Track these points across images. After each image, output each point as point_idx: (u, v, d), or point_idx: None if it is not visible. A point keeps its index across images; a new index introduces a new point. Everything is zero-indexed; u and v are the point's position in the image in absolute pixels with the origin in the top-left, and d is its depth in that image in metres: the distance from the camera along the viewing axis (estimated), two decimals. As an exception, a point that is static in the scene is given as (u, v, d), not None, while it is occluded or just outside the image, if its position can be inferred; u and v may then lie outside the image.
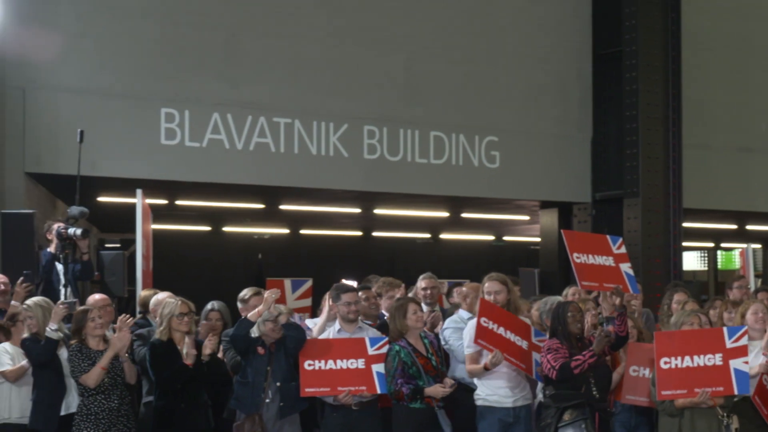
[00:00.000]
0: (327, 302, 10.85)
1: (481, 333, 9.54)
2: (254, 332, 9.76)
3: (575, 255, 9.79)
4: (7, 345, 10.36)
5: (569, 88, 18.22)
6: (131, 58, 14.83)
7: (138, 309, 11.75)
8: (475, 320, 9.90)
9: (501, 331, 9.62)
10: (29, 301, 10.14)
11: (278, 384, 9.74)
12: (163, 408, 9.64)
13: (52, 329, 9.67)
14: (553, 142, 17.98)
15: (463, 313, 10.74)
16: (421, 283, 11.95)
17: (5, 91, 13.60)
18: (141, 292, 12.10)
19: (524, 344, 9.78)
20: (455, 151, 17.07)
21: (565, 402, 9.18)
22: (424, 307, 10.79)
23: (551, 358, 9.18)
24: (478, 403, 9.82)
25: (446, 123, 17.02)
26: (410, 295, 11.54)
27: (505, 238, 28.24)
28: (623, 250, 10.21)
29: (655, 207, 17.60)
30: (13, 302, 10.83)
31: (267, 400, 9.68)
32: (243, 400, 9.74)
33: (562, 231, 10.61)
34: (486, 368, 9.63)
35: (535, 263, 19.89)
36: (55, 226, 11.66)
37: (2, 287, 11.37)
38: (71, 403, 9.87)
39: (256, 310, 9.75)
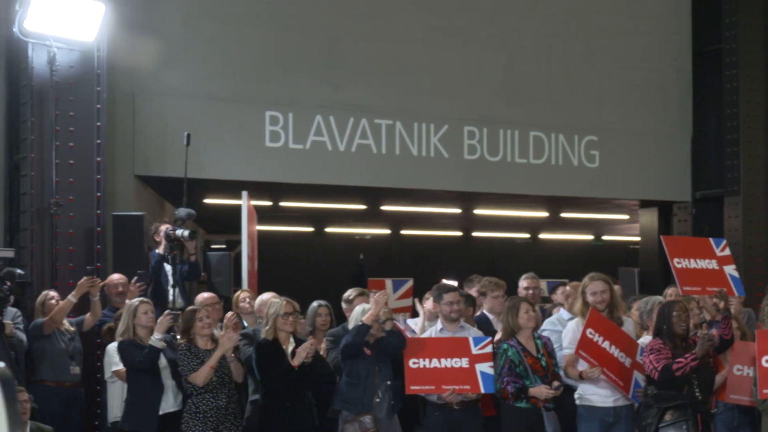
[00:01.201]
0: (421, 304, 11.00)
1: (584, 344, 9.49)
2: (361, 334, 9.96)
3: (676, 260, 9.75)
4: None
5: (669, 87, 18.08)
6: (236, 63, 15.03)
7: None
8: (574, 321, 9.93)
9: (606, 345, 9.56)
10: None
11: (388, 383, 9.87)
12: (268, 407, 9.79)
13: (156, 338, 9.86)
14: (653, 141, 17.86)
15: (563, 312, 10.76)
16: (523, 282, 11.98)
17: (115, 96, 13.79)
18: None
19: (627, 361, 9.69)
20: (555, 150, 17.04)
21: (666, 402, 9.12)
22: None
23: (653, 359, 9.13)
24: (579, 402, 9.79)
25: (546, 123, 16.99)
26: None
27: (605, 237, 28.08)
28: (727, 252, 10.13)
29: (757, 205, 17.42)
30: (127, 301, 11.13)
31: (377, 400, 9.82)
32: (353, 400, 9.83)
33: (662, 237, 10.56)
34: (581, 377, 9.71)
35: (635, 263, 19.74)
36: (163, 227, 11.90)
37: (121, 288, 11.70)
38: (167, 403, 10.06)
39: (370, 313, 9.81)
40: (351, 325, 10.04)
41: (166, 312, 10.15)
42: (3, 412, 2.06)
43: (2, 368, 2.10)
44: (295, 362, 9.61)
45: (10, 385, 2.08)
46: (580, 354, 9.54)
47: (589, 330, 9.53)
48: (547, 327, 10.60)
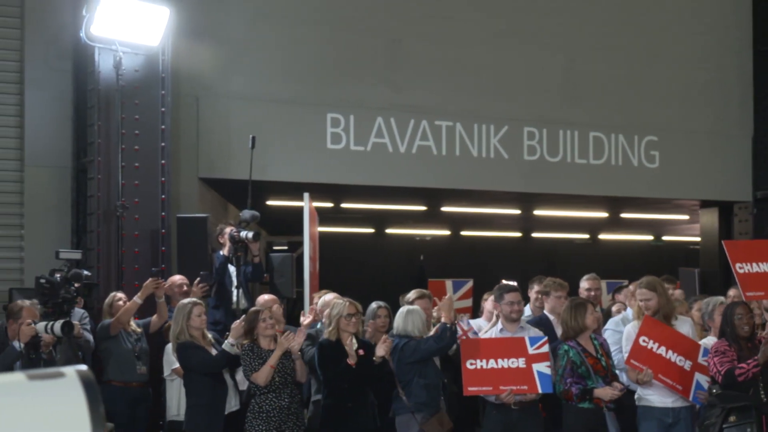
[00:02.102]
0: (488, 305, 11.06)
1: (636, 353, 9.49)
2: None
3: (738, 265, 9.72)
4: (177, 343, 10.77)
5: (729, 86, 17.98)
6: (298, 65, 15.12)
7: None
8: (630, 325, 9.87)
9: (661, 350, 9.53)
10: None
11: (445, 380, 10.00)
12: (330, 407, 9.84)
13: (230, 343, 9.97)
14: (713, 140, 17.78)
15: (630, 312, 10.80)
16: (585, 283, 12.00)
17: (180, 100, 13.94)
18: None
19: (687, 364, 9.64)
20: (614, 151, 17.00)
21: (731, 402, 9.08)
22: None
23: (717, 362, 9.11)
24: (638, 403, 9.80)
25: (605, 123, 16.94)
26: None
27: (664, 237, 27.97)
28: None
29: (818, 205, 17.37)
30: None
31: (441, 398, 9.96)
32: (429, 402, 9.93)
33: (723, 242, 10.53)
34: (636, 381, 9.72)
35: (695, 263, 19.62)
36: (228, 229, 12.04)
37: (185, 288, 11.86)
38: (229, 403, 10.19)
39: (446, 316, 9.88)
40: (400, 326, 10.17)
41: (243, 317, 10.25)
42: (87, 415, 2.17)
43: (85, 371, 2.20)
44: (351, 360, 9.72)
45: (93, 388, 2.18)
46: (631, 363, 9.55)
47: (642, 338, 9.52)
48: (611, 327, 10.65)
